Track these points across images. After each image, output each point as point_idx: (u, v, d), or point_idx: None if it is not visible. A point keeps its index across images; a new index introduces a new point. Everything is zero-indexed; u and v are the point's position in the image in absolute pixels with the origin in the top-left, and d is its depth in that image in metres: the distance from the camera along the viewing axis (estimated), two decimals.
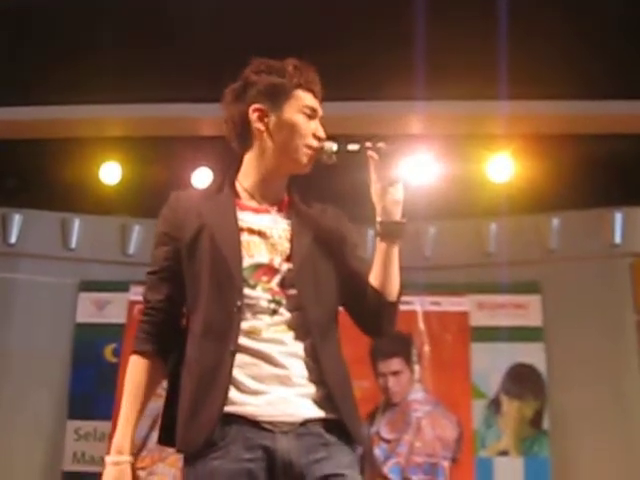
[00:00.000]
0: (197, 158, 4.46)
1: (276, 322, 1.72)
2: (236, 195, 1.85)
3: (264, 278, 1.74)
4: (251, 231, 1.78)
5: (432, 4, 3.41)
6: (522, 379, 4.51)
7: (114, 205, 4.83)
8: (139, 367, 1.79)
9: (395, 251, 1.80)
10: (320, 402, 1.71)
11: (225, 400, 1.65)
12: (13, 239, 4.83)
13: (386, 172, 1.78)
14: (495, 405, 4.51)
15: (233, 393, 1.66)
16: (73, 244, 4.90)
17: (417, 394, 4.54)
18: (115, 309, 4.77)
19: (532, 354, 4.52)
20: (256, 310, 1.72)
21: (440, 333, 4.62)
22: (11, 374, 4.63)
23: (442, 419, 4.48)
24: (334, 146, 1.82)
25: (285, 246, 1.78)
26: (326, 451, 1.68)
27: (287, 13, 3.58)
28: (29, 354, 4.64)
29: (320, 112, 1.87)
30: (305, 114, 1.83)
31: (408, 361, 4.58)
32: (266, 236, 1.78)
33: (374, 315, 1.81)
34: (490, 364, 4.54)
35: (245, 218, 1.80)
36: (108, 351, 4.73)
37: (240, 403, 1.66)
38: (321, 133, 1.84)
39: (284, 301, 1.74)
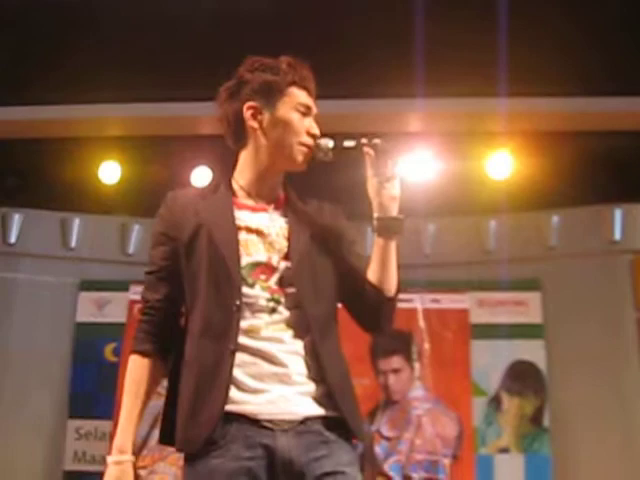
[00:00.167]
0: (196, 157, 4.46)
1: (275, 320, 1.72)
2: (233, 193, 1.85)
3: (262, 276, 1.74)
4: (249, 230, 1.78)
5: (430, 1, 3.41)
6: (522, 376, 4.51)
7: (114, 204, 4.82)
8: (139, 366, 1.79)
9: (392, 247, 1.79)
10: (320, 400, 1.71)
11: (226, 399, 1.65)
12: (13, 239, 4.83)
13: (382, 168, 1.78)
14: (495, 402, 4.51)
15: (233, 392, 1.66)
16: (73, 243, 4.90)
17: (417, 392, 4.54)
18: (115, 308, 4.77)
19: (532, 351, 4.52)
20: (255, 309, 1.72)
21: (440, 330, 4.61)
22: (11, 373, 4.62)
23: (442, 416, 4.47)
24: (330, 143, 1.82)
25: (283, 244, 1.78)
26: (326, 449, 1.68)
27: (285, 12, 3.58)
28: (29, 353, 4.64)
29: (314, 109, 1.86)
30: (299, 111, 1.82)
31: (408, 359, 4.58)
32: (264, 234, 1.78)
33: (372, 311, 1.80)
34: (490, 361, 4.53)
35: (242, 217, 1.80)
36: (108, 350, 4.72)
37: (240, 402, 1.66)
38: (315, 130, 1.84)
39: (283, 299, 1.74)
